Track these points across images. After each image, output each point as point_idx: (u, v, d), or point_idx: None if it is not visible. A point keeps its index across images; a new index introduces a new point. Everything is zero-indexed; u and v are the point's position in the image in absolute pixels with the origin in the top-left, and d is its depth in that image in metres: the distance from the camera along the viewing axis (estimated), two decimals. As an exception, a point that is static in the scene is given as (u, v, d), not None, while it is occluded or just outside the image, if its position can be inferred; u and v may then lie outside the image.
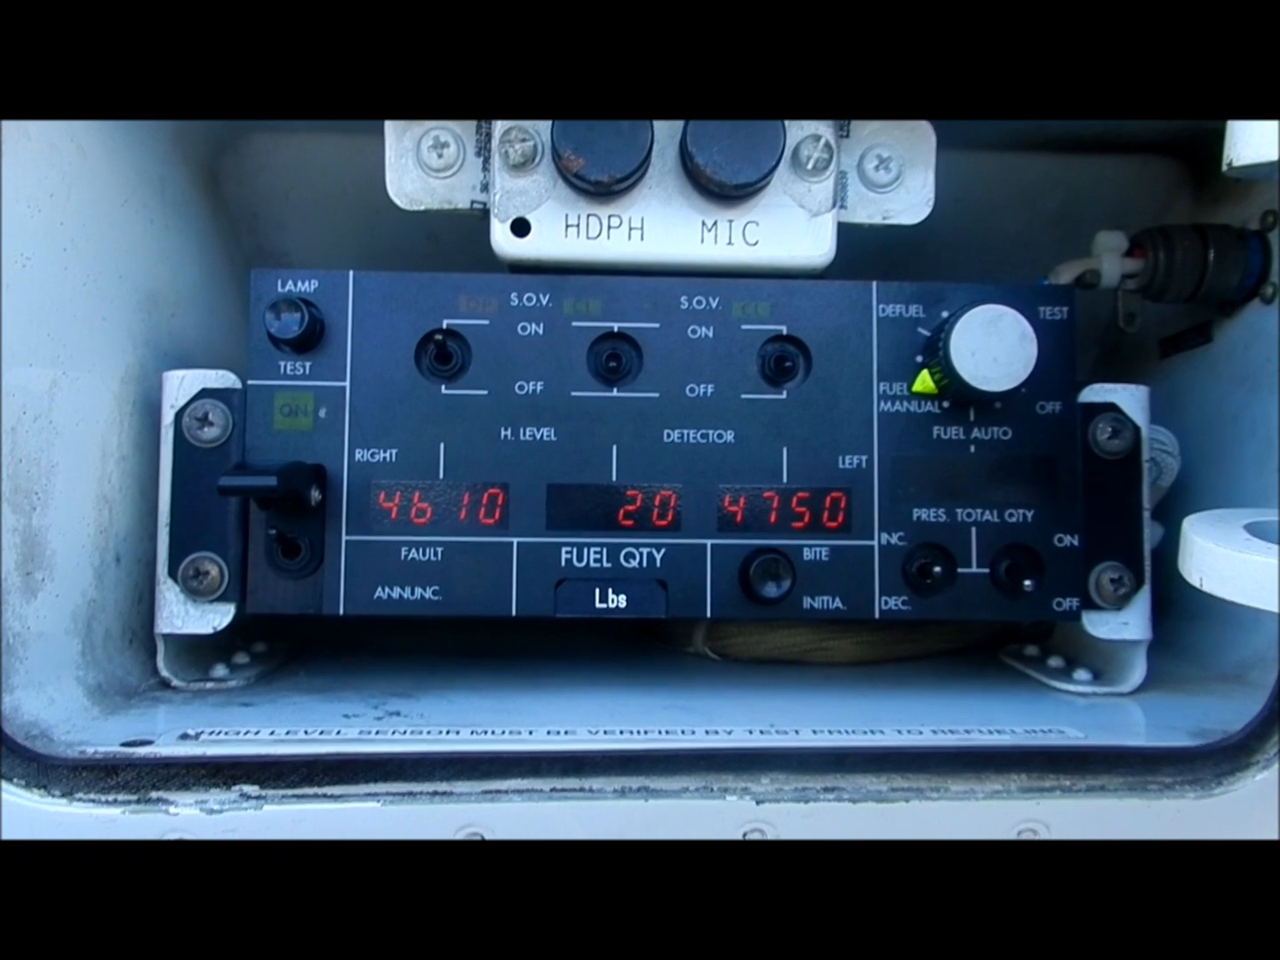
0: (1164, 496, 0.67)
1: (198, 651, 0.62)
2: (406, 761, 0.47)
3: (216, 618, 0.58)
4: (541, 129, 0.58)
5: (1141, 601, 0.60)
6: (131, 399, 0.61)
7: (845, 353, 0.60)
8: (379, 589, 0.57)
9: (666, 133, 0.59)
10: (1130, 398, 0.61)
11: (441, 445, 0.58)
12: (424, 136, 0.60)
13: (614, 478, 0.58)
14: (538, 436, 0.58)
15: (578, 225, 0.60)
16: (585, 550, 0.58)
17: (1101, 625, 0.60)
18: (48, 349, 0.54)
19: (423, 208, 0.61)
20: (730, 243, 0.60)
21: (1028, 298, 0.59)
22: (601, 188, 0.57)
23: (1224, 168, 0.50)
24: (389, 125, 0.61)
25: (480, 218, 0.61)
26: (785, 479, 0.59)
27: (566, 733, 0.52)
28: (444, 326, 0.59)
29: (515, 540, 0.58)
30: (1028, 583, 0.58)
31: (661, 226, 0.60)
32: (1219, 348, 0.72)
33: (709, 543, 0.58)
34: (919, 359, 0.60)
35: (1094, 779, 0.48)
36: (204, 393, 0.59)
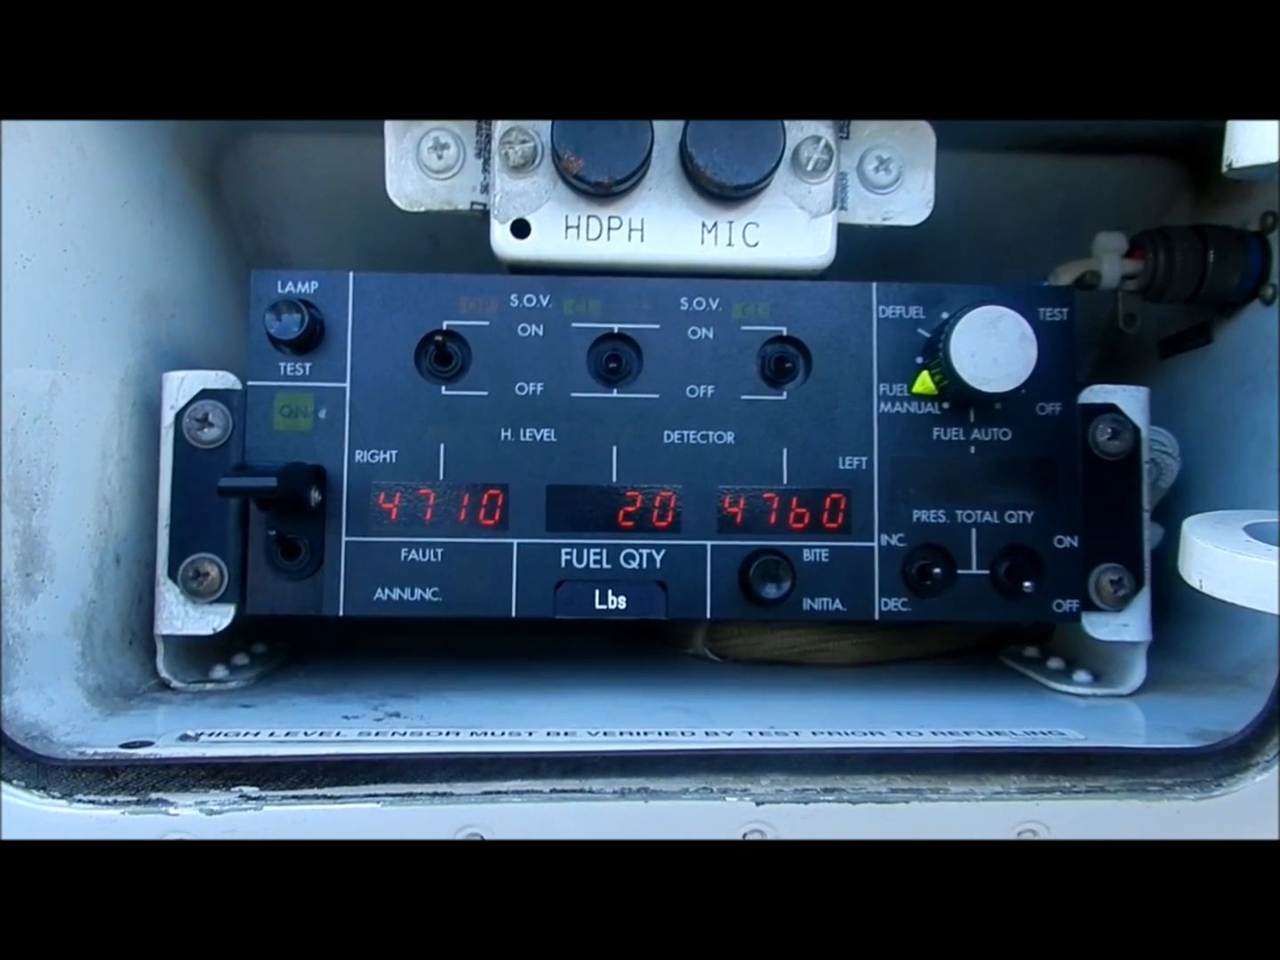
0: (1164, 498, 0.67)
1: (197, 653, 0.62)
2: (406, 762, 0.47)
3: (216, 619, 0.58)
4: (541, 130, 0.58)
5: (1141, 603, 0.60)
6: (131, 400, 0.61)
7: (845, 354, 0.60)
8: (379, 590, 0.57)
9: (666, 133, 0.59)
10: (1130, 399, 0.61)
11: (441, 446, 0.58)
12: (424, 137, 0.60)
13: (614, 479, 0.58)
14: (538, 437, 0.58)
15: (578, 226, 0.60)
16: (585, 551, 0.58)
17: (1101, 627, 0.60)
18: (48, 350, 0.54)
19: (423, 209, 0.61)
20: (730, 244, 0.60)
21: (1027, 299, 0.59)
22: (601, 189, 0.57)
23: (1224, 169, 0.50)
24: (389, 126, 0.61)
25: (480, 219, 0.61)
26: (785, 480, 0.59)
27: (566, 734, 0.52)
28: (444, 328, 0.59)
29: (515, 541, 0.58)
30: (1027, 584, 0.58)
31: (661, 228, 0.60)
32: (1219, 349, 0.72)
33: (709, 544, 0.58)
34: (919, 360, 0.60)
35: (1094, 780, 0.48)
36: (204, 393, 0.59)
